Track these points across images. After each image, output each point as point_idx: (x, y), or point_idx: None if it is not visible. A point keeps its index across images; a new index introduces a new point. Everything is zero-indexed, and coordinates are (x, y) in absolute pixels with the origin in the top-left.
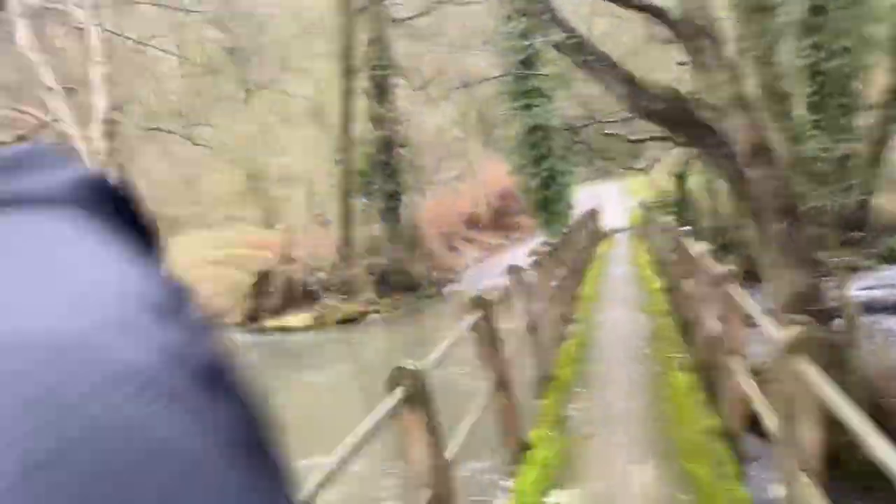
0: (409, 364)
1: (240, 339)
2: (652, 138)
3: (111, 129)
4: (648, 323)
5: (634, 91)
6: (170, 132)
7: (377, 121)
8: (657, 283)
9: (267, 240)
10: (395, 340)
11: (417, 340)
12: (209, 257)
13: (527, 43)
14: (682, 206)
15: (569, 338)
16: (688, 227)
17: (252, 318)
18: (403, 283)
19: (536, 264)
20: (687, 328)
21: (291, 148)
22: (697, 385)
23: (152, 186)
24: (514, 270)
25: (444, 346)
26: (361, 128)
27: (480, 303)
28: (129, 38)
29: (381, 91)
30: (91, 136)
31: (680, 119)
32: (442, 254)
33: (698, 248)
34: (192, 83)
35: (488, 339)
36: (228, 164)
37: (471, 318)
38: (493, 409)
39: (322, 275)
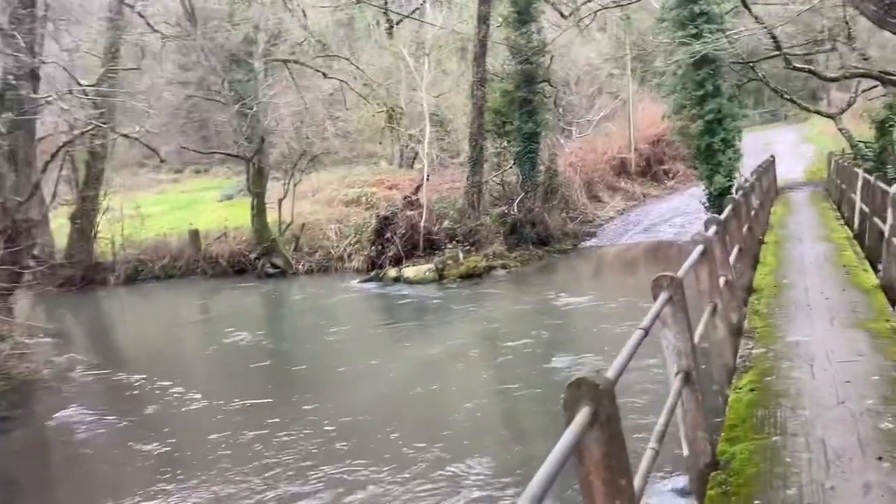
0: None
1: (357, 287)
2: (853, 75)
3: None
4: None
5: None
6: (302, 65)
7: (517, 52)
8: (871, 278)
9: (401, 180)
10: (519, 304)
11: (545, 307)
12: (343, 196)
13: None
14: (883, 159)
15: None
16: None
17: (373, 265)
18: (536, 236)
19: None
20: None
21: (430, 83)
22: None
23: (294, 120)
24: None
25: (630, 345)
26: (500, 60)
27: (670, 283)
28: None
29: (522, 18)
30: None
31: None
32: (583, 203)
33: None
34: (336, 15)
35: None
36: (367, 99)
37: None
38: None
39: (447, 223)
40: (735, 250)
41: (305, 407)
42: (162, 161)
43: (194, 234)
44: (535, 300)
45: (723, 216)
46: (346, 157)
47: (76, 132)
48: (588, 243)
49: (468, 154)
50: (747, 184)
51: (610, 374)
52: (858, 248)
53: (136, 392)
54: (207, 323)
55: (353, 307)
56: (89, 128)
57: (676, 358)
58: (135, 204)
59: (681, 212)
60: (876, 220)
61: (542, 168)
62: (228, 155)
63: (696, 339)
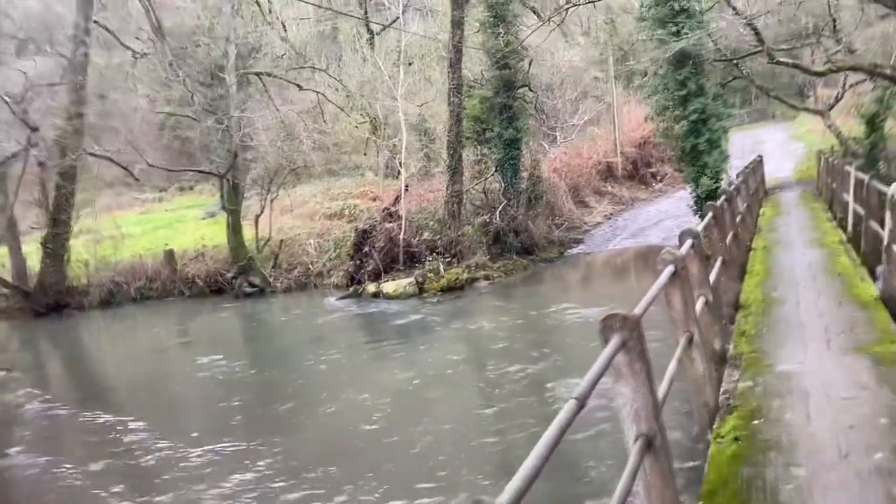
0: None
1: (335, 305)
2: (841, 68)
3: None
4: None
5: None
6: (276, 77)
7: (494, 56)
8: (869, 289)
9: (386, 191)
10: (502, 319)
11: (529, 321)
12: (326, 209)
13: None
14: (874, 156)
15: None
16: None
17: (352, 281)
18: (521, 244)
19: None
20: None
21: (410, 91)
22: None
23: (270, 135)
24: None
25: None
26: (480, 67)
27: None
28: None
29: (499, 21)
30: None
31: None
32: (569, 209)
33: None
34: (320, 26)
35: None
36: (346, 110)
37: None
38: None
39: (427, 234)
40: (718, 263)
41: (276, 449)
42: (136, 180)
43: (169, 255)
44: (518, 314)
45: (701, 226)
46: (332, 168)
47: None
48: (575, 250)
49: (447, 162)
50: (732, 187)
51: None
52: (854, 254)
53: (95, 433)
54: (180, 349)
55: (330, 328)
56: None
57: (635, 420)
58: (115, 224)
59: (669, 214)
60: (872, 223)
61: (524, 175)
62: (200, 172)
63: (663, 392)
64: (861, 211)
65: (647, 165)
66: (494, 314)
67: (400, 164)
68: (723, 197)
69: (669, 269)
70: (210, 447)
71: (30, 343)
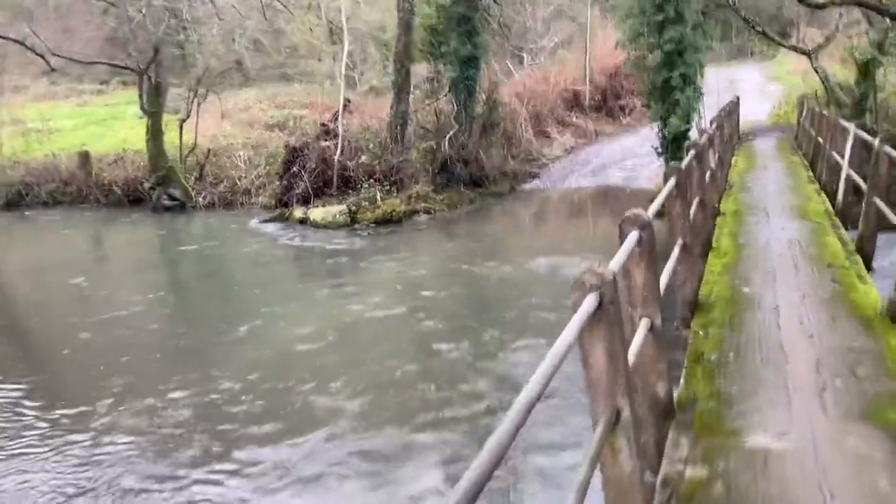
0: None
1: (255, 228)
2: (844, 2)
3: None
4: None
5: None
6: None
7: None
8: (871, 294)
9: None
10: (437, 260)
11: (465, 266)
12: (270, 118)
13: None
14: (863, 107)
15: None
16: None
17: (281, 203)
18: (469, 175)
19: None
20: None
21: None
22: None
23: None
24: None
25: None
26: None
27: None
28: None
29: None
30: None
31: None
32: (527, 140)
33: None
34: None
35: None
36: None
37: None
38: None
39: (365, 158)
40: (676, 251)
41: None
42: (52, 70)
43: (84, 157)
44: (456, 258)
45: (651, 210)
46: (287, 73)
47: None
48: (528, 185)
49: (393, 78)
50: (704, 136)
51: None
52: (844, 233)
53: None
54: (86, 264)
55: (241, 255)
56: None
57: None
58: (42, 116)
59: (634, 153)
60: (878, 202)
61: (480, 98)
62: (115, 66)
63: None
64: (860, 182)
65: (616, 97)
66: (430, 256)
67: (341, 74)
68: (691, 153)
69: (589, 303)
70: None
71: None
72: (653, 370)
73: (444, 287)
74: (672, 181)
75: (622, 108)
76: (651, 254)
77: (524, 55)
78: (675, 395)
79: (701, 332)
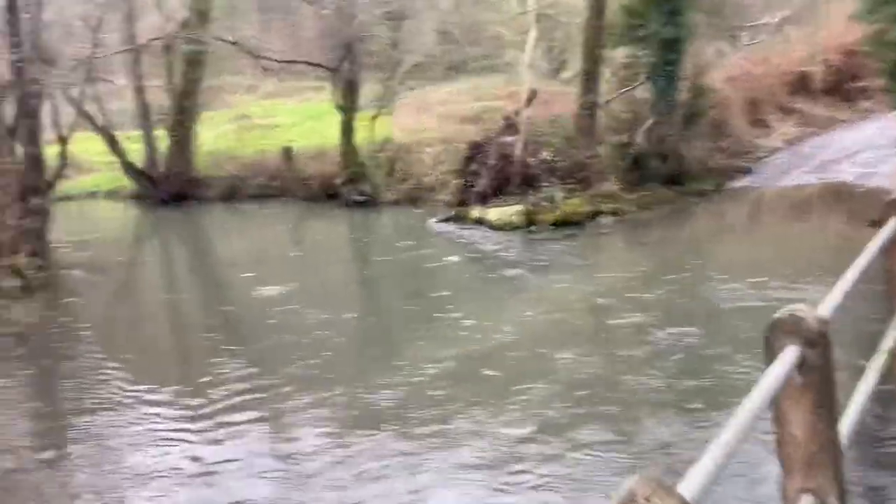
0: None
1: (430, 228)
2: None
3: None
4: None
5: None
6: None
7: None
8: None
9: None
10: (616, 275)
11: (653, 287)
12: (468, 111)
13: None
14: None
15: None
16: None
17: (460, 201)
18: (668, 172)
19: None
20: None
21: None
22: None
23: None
24: None
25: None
26: None
27: None
28: None
29: None
30: None
31: None
32: (740, 130)
33: None
34: None
35: None
36: None
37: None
38: None
39: (546, 153)
40: None
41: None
42: (265, 70)
43: (287, 152)
44: (640, 270)
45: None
46: (492, 64)
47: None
48: (738, 183)
49: (581, 66)
50: None
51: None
52: None
53: None
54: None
55: (412, 254)
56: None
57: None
58: (266, 113)
59: (872, 144)
60: None
61: (683, 85)
62: (309, 64)
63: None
64: None
65: (853, 78)
66: (607, 265)
67: (527, 64)
68: None
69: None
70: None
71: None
72: None
73: (619, 308)
74: None
75: (862, 91)
76: (823, 392)
77: (740, 34)
78: None
79: None
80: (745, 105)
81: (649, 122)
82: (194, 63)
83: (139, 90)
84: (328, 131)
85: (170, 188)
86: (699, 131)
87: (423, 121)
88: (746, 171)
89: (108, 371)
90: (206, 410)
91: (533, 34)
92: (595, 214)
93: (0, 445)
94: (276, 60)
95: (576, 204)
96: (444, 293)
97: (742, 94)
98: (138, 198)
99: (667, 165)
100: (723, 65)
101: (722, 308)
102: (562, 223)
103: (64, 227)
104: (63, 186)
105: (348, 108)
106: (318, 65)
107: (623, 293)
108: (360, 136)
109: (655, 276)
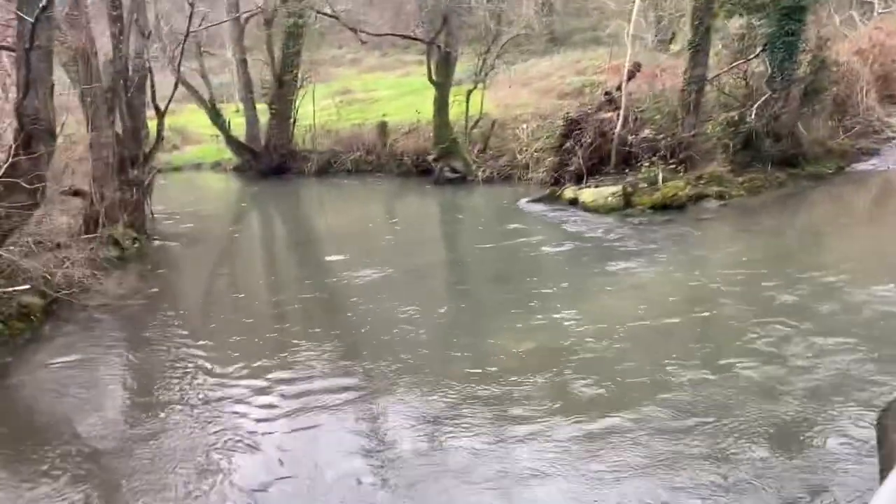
0: None
1: (521, 208)
2: None
3: None
4: None
5: None
6: None
7: None
8: None
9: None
10: (716, 270)
11: (762, 283)
12: (566, 84)
13: None
14: None
15: None
16: None
17: (554, 180)
18: (781, 153)
19: None
20: None
21: None
22: None
23: None
24: None
25: None
26: None
27: None
28: None
29: None
30: None
31: None
32: (868, 108)
33: None
34: None
35: None
36: None
37: None
38: None
39: (649, 132)
40: None
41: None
42: (363, 42)
43: (382, 127)
44: (743, 258)
45: None
46: (598, 36)
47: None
48: (862, 166)
49: (690, 37)
50: None
51: None
52: None
53: None
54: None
55: (499, 236)
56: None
57: None
58: (366, 87)
59: None
60: None
61: (803, 58)
62: (405, 37)
63: None
64: None
65: None
66: (708, 258)
67: (628, 34)
68: None
69: None
70: None
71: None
72: None
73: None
74: None
75: None
76: None
77: (875, 2)
78: None
79: None
80: (876, 81)
81: (763, 98)
82: (294, 36)
83: (242, 63)
84: (424, 106)
85: (270, 162)
86: (819, 109)
87: (520, 96)
88: (873, 153)
89: (189, 351)
90: (293, 405)
91: (638, 3)
92: (698, 198)
93: (96, 418)
94: (370, 34)
95: (678, 186)
96: (548, 289)
97: (872, 69)
98: (240, 170)
99: (781, 145)
100: (851, 36)
101: (849, 312)
102: (661, 206)
103: (167, 198)
104: (171, 157)
105: (443, 82)
106: (413, 37)
107: (730, 281)
108: (455, 111)
109: (766, 267)
